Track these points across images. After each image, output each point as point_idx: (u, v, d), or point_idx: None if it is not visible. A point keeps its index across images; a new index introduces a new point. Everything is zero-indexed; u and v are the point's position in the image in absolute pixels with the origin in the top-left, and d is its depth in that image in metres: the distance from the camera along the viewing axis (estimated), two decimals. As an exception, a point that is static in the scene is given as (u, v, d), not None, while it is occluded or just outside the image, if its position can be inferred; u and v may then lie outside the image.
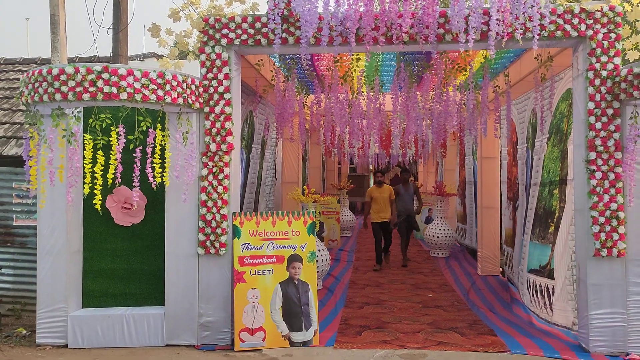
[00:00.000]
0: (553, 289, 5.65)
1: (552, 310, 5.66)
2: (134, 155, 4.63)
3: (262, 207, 8.26)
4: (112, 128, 4.62)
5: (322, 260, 7.50)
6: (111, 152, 4.62)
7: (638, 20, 4.78)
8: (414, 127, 7.32)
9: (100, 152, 4.65)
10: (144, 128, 4.71)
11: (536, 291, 6.10)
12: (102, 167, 4.64)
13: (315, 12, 4.57)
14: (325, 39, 4.71)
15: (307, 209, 7.59)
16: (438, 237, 10.66)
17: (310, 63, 6.65)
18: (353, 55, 6.07)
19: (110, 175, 4.63)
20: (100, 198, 4.79)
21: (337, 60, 6.24)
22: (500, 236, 8.69)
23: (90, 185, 4.72)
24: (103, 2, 6.48)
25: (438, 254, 10.77)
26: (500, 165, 8.61)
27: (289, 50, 5.31)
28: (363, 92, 7.19)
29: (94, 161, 4.68)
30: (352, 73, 6.52)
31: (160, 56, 5.31)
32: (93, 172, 4.66)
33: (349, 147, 10.88)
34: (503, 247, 8.41)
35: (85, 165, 4.78)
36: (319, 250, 7.48)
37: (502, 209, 8.50)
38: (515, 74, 6.65)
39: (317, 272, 7.32)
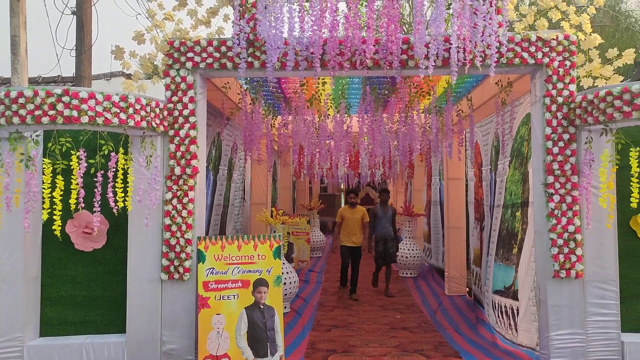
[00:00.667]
0: (517, 310, 5.73)
1: (517, 331, 5.73)
2: (94, 180, 4.56)
3: (230, 229, 8.21)
4: (72, 152, 4.55)
5: (290, 282, 7.46)
6: (72, 176, 4.54)
7: (591, 49, 4.96)
8: (380, 149, 7.40)
9: (59, 177, 4.56)
10: (106, 152, 4.65)
11: (501, 312, 6.17)
12: (62, 192, 4.56)
13: (280, 37, 4.62)
14: (291, 64, 4.75)
15: (275, 231, 7.58)
16: (407, 257, 10.73)
17: (277, 86, 6.69)
18: (319, 79, 6.13)
19: (72, 200, 4.55)
20: (60, 224, 4.69)
21: (303, 84, 6.29)
22: (467, 256, 8.80)
23: (49, 210, 4.62)
24: (67, 22, 6.43)
25: (407, 274, 10.82)
26: (467, 186, 8.75)
27: (254, 74, 5.33)
28: (330, 114, 7.25)
29: (53, 186, 4.59)
30: (318, 96, 6.57)
31: (129, 75, 5.26)
32: (52, 197, 4.56)
33: (318, 168, 10.87)
34: (472, 267, 8.51)
35: (44, 190, 4.68)
36: (287, 273, 7.45)
37: (470, 229, 8.62)
38: (477, 98, 6.81)
39: (285, 294, 7.29)
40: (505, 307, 6.04)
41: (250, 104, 6.84)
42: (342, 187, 22.75)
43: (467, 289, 8.71)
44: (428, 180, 12.10)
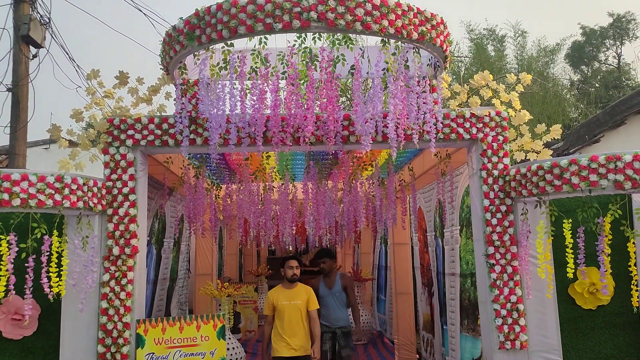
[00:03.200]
0: None
1: None
2: (26, 265, 4.33)
3: (174, 304, 7.90)
4: (1, 236, 4.32)
5: (237, 359, 7.19)
6: (1, 262, 4.29)
7: (521, 125, 5.23)
8: (326, 217, 7.42)
9: (-13, 263, 4.31)
10: (39, 235, 4.45)
11: None
12: (-10, 278, 4.29)
13: (222, 115, 4.62)
14: (233, 140, 4.76)
15: (220, 304, 7.35)
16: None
17: (221, 159, 6.67)
18: (263, 153, 6.16)
19: (0, 288, 4.28)
20: (-12, 311, 4.39)
21: (247, 158, 6.30)
22: (416, 322, 8.77)
23: (-25, 298, 4.33)
24: (1, 97, 6.27)
25: (357, 340, 10.65)
26: (412, 251, 8.83)
27: (197, 150, 5.30)
28: (275, 184, 7.26)
29: (-20, 272, 4.32)
30: (263, 169, 6.59)
31: (70, 141, 5.12)
32: (-21, 285, 4.28)
33: (265, 235, 10.77)
34: (422, 332, 8.47)
35: (-30, 276, 4.39)
36: (233, 348, 7.19)
37: (418, 294, 8.63)
38: (418, 167, 6.99)
39: (231, 373, 6.99)
40: None
41: (193, 176, 6.76)
42: (290, 249, 22.59)
43: (417, 355, 8.63)
44: (374, 244, 12.17)
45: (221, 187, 7.82)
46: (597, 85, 25.89)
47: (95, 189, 4.77)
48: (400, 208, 7.55)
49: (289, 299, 5.76)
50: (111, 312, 4.77)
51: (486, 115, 5.15)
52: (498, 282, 4.92)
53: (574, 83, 26.64)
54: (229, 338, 7.10)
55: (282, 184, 6.89)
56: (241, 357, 7.34)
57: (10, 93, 5.98)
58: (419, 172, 7.01)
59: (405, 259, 8.99)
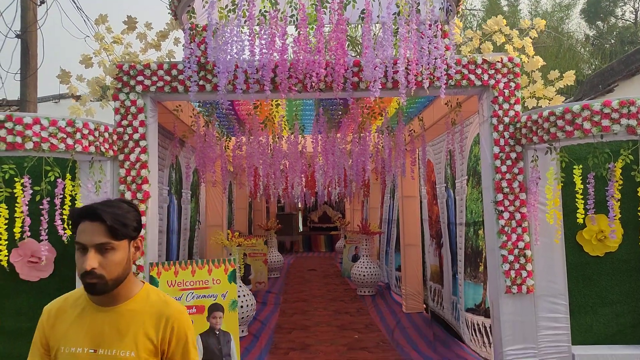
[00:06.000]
0: (490, 327, 5.76)
1: (490, 347, 5.77)
2: (40, 207, 4.40)
3: (194, 254, 8.07)
4: (16, 179, 4.39)
5: (247, 305, 7.36)
6: (16, 204, 4.37)
7: (534, 71, 5.15)
8: (335, 168, 7.45)
9: (3, 205, 4.39)
10: (52, 178, 4.51)
11: (474, 330, 6.21)
12: (6, 221, 4.39)
13: (231, 60, 4.60)
14: (242, 87, 4.74)
15: (231, 254, 7.48)
16: (364, 275, 10.76)
17: (230, 108, 6.66)
18: (272, 101, 6.14)
19: (17, 229, 4.37)
20: (6, 254, 4.50)
21: (256, 106, 6.28)
22: (423, 273, 8.89)
23: (-7, 240, 4.43)
24: (11, 45, 6.25)
25: (364, 292, 10.85)
26: (421, 203, 8.87)
27: (206, 97, 5.29)
28: (284, 135, 7.26)
29: (-4, 215, 4.41)
30: (272, 118, 6.58)
31: (78, 97, 5.13)
32: (-5, 227, 4.38)
33: (274, 189, 10.81)
34: (429, 283, 8.59)
35: (-14, 219, 4.48)
36: (244, 296, 7.35)
37: (426, 246, 8.72)
38: (428, 118, 6.95)
39: (242, 318, 7.18)
40: (478, 324, 6.08)
41: (203, 126, 6.78)
42: (299, 206, 22.76)
43: (424, 305, 8.79)
44: (382, 199, 12.23)
45: (230, 138, 7.83)
46: (612, 41, 25.31)
47: (106, 135, 4.80)
48: (410, 159, 7.54)
49: (97, 342, 1.96)
50: (124, 255, 4.86)
51: (498, 62, 5.08)
52: (506, 228, 4.95)
53: (589, 38, 26.05)
54: (240, 286, 7.25)
55: (292, 133, 6.88)
56: (252, 304, 7.51)
57: (20, 40, 5.97)
58: (429, 122, 6.97)
59: (414, 211, 9.05)
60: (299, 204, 21.24)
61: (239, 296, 7.10)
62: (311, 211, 23.22)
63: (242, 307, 7.16)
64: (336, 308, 9.48)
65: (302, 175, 9.62)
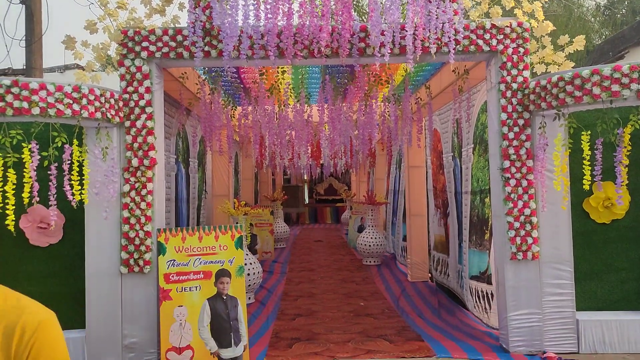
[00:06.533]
0: (492, 293, 5.83)
1: (491, 313, 5.83)
2: (48, 173, 4.43)
3: (202, 222, 8.15)
4: (24, 145, 4.41)
5: (254, 273, 7.43)
6: (24, 169, 4.40)
7: (543, 36, 5.08)
8: (341, 138, 7.43)
9: (11, 170, 4.42)
10: (59, 144, 4.52)
11: (478, 297, 6.27)
12: (14, 186, 4.42)
13: (235, 25, 4.56)
14: (245, 51, 4.71)
15: (237, 222, 7.52)
16: (370, 245, 10.82)
17: (236, 75, 6.62)
18: (278, 68, 6.09)
19: (25, 195, 4.41)
20: (14, 219, 4.54)
21: (262, 73, 6.24)
22: (428, 242, 8.93)
23: (2, 205, 4.47)
24: (15, 12, 6.21)
25: (370, 262, 10.93)
26: (426, 174, 8.86)
27: (211, 63, 5.26)
28: (290, 104, 7.23)
29: (5, 180, 4.44)
30: (278, 85, 6.54)
31: (84, 67, 5.11)
32: (4, 192, 4.41)
33: (280, 159, 10.80)
34: (432, 253, 8.64)
35: (-5, 184, 4.52)
36: (251, 264, 7.42)
37: (430, 216, 8.74)
38: (435, 86, 6.89)
39: (249, 285, 7.26)
40: (482, 291, 6.13)
41: (209, 94, 6.75)
42: (305, 178, 22.78)
43: (429, 274, 8.85)
44: (388, 170, 12.22)
45: (236, 107, 7.81)
46: (623, 10, 24.82)
47: (112, 101, 4.80)
48: (416, 128, 7.51)
49: None
50: (132, 221, 4.92)
51: (507, 26, 5.00)
52: (512, 195, 4.95)
53: (599, 8, 25.56)
54: (246, 254, 7.31)
55: (298, 101, 6.85)
56: (258, 272, 7.59)
57: (24, 5, 5.92)
58: (436, 91, 6.91)
59: (420, 182, 9.04)
60: (305, 175, 21.26)
61: (245, 264, 7.17)
62: (317, 183, 23.25)
63: (248, 274, 7.23)
64: (342, 277, 9.56)
65: (308, 145, 9.58)
